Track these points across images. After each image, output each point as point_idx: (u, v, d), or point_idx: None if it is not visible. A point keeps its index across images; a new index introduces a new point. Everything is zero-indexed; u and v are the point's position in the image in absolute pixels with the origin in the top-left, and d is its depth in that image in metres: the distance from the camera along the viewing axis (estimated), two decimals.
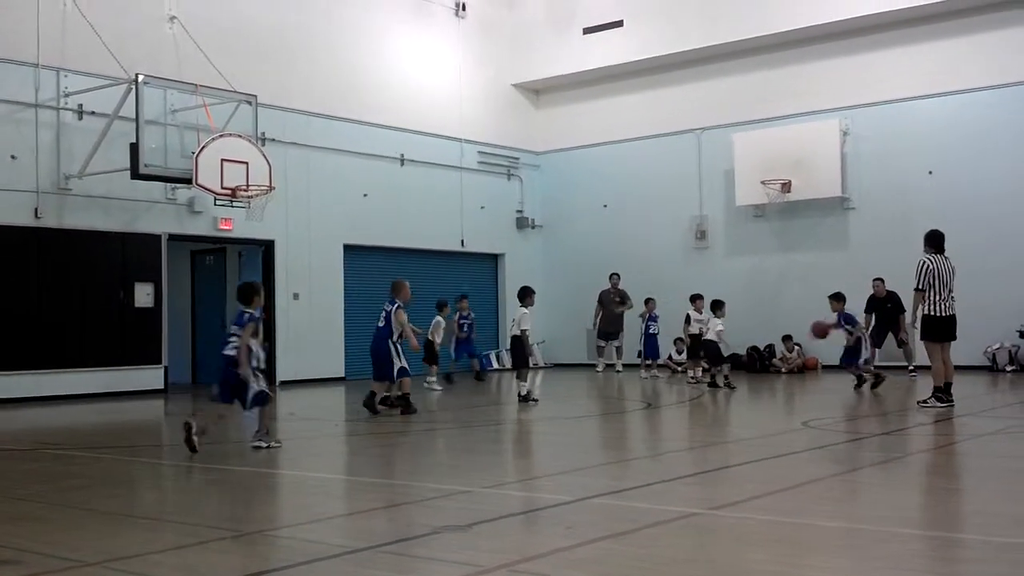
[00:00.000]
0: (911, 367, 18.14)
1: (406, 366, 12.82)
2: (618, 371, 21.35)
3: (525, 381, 14.28)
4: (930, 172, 20.21)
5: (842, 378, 18.23)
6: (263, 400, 9.74)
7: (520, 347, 14.20)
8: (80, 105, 17.02)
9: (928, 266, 12.18)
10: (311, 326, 20.20)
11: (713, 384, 16.17)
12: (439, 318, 17.96)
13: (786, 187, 21.30)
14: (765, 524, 5.97)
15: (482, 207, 24.08)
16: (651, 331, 19.79)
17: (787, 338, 20.65)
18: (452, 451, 10.36)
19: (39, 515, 6.69)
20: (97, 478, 8.45)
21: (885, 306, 18.17)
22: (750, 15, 21.86)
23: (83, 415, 14.41)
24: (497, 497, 7.10)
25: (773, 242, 22.16)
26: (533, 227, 25.32)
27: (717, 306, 16.34)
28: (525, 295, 14.49)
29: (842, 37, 21.30)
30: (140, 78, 16.07)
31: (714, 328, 16.18)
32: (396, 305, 12.89)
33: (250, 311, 9.82)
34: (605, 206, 24.40)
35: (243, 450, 10.79)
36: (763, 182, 21.41)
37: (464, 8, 24.03)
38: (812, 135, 21.20)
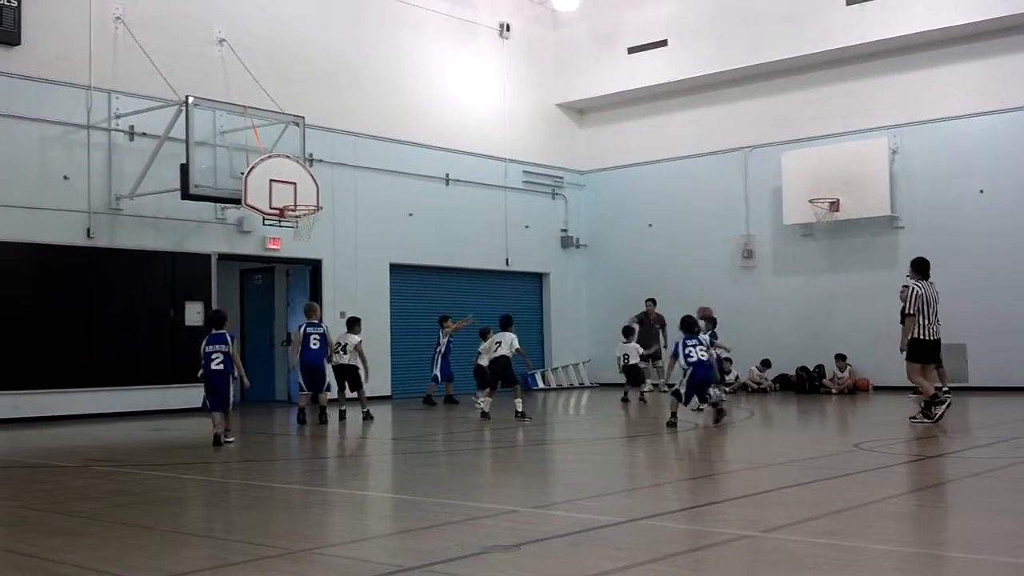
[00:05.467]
0: (944, 388, 17.83)
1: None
2: (664, 391, 21.21)
3: (520, 397, 15.18)
4: (981, 191, 19.92)
5: (894, 399, 17.98)
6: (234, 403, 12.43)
7: (510, 367, 15.20)
8: (131, 126, 17.30)
9: (918, 292, 13.03)
10: None
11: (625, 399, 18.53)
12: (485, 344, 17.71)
13: (835, 206, 21.10)
14: (818, 547, 5.87)
15: (527, 226, 24.10)
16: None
17: (839, 357, 20.38)
18: (497, 470, 10.33)
19: (92, 531, 6.76)
20: (148, 495, 8.52)
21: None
22: (796, 34, 21.74)
23: (134, 432, 14.56)
24: (544, 517, 7.06)
25: (822, 261, 21.94)
26: (578, 246, 25.30)
27: (627, 332, 19.00)
28: (511, 322, 15.61)
29: (891, 55, 21.10)
30: (190, 100, 16.29)
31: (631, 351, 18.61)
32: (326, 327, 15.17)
33: (225, 331, 12.31)
34: (650, 225, 24.32)
35: (290, 467, 10.87)
36: (811, 201, 21.22)
37: (508, 29, 24.14)
38: (861, 153, 20.99)
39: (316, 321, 15.09)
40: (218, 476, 10.12)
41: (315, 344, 14.80)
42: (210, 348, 12.16)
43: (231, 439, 12.11)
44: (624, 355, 18.74)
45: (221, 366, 12.03)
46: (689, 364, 13.32)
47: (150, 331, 17.33)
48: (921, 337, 12.97)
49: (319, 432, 13.91)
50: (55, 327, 16.33)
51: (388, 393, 20.74)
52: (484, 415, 15.27)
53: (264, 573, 5.49)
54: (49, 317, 16.30)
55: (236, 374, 12.23)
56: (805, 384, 20.85)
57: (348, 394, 15.63)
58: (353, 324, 15.99)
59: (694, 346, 13.47)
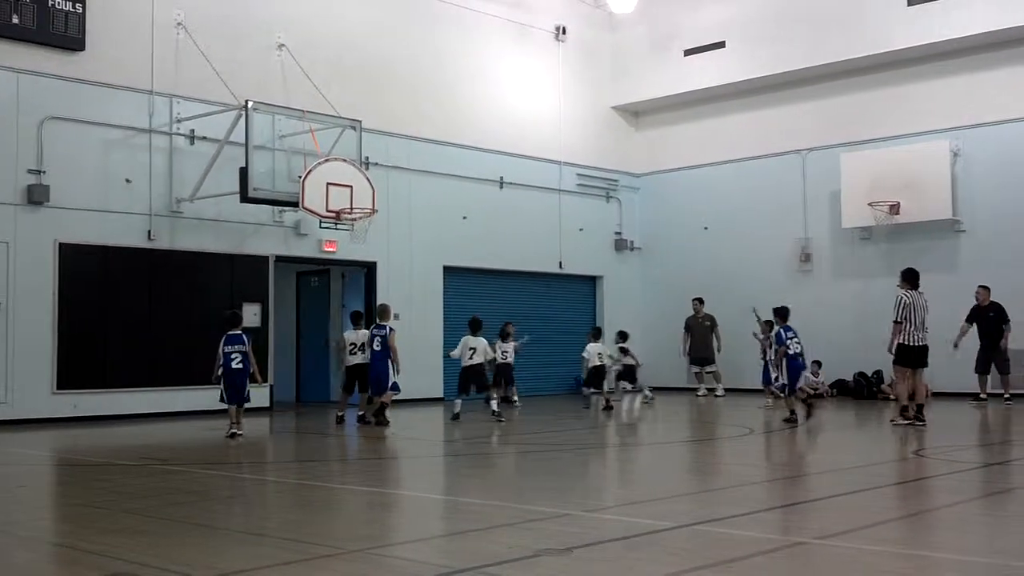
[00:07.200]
0: (1007, 395, 17.56)
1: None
2: (718, 395, 21.07)
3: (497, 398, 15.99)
4: None
5: (953, 406, 17.66)
6: (248, 398, 13.38)
7: (484, 374, 15.75)
8: (192, 131, 17.56)
9: (906, 301, 13.64)
10: (411, 347, 20.29)
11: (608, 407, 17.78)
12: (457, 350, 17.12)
13: (894, 209, 20.77)
14: (875, 555, 5.79)
15: (581, 229, 24.05)
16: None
17: None
18: (549, 473, 10.32)
19: (151, 529, 6.88)
20: (204, 494, 8.65)
21: (987, 315, 18.00)
22: (855, 35, 21.44)
23: (191, 432, 14.78)
24: (596, 521, 7.05)
25: (881, 265, 21.58)
26: (632, 249, 25.19)
27: (596, 335, 18.40)
28: (480, 326, 15.87)
29: (952, 56, 20.71)
30: (250, 104, 16.47)
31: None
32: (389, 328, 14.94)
33: (240, 332, 13.19)
34: (705, 228, 24.13)
35: (345, 468, 10.96)
36: (870, 204, 20.91)
37: (564, 32, 24.11)
38: (921, 156, 20.65)
39: (382, 323, 15.12)
40: (272, 475, 10.24)
41: (377, 346, 14.89)
42: (229, 348, 13.02)
43: (240, 432, 12.94)
44: (589, 356, 17.79)
45: (240, 365, 13.02)
46: (787, 355, 14.36)
47: (208, 332, 17.52)
48: (907, 343, 13.63)
49: (375, 433, 14.00)
50: (115, 328, 16.61)
51: (440, 395, 20.81)
52: (455, 416, 15.51)
53: (318, 572, 5.55)
54: (109, 318, 16.57)
55: (252, 371, 13.16)
56: (863, 390, 20.56)
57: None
58: (357, 320, 15.96)
59: (791, 338, 14.44)
